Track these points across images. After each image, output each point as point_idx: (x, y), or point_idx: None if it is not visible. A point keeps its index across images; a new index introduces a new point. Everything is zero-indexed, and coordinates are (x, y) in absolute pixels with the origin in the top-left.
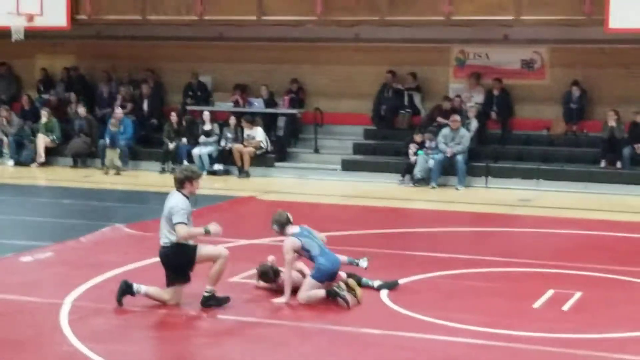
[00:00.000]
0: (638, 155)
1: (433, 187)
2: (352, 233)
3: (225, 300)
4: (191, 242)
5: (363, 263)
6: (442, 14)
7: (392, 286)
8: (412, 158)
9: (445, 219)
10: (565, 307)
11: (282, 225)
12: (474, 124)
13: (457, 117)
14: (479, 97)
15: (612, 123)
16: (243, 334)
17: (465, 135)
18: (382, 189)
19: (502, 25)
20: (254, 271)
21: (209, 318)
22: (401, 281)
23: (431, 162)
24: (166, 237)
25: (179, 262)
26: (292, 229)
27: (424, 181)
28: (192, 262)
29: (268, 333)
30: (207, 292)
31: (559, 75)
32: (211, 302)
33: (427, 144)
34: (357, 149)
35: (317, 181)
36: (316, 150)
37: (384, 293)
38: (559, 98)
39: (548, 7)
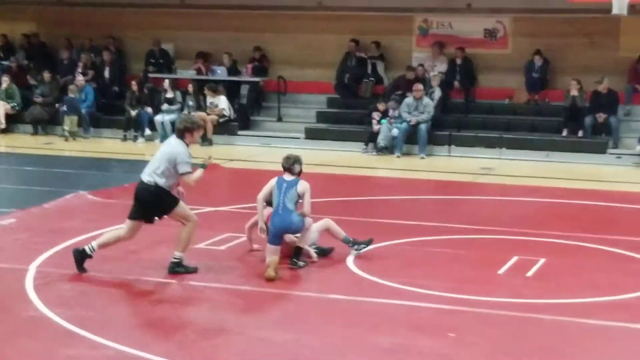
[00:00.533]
0: (599, 124)
1: (397, 156)
2: (316, 201)
3: (194, 269)
4: (174, 194)
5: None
6: None
7: (326, 253)
8: (376, 127)
9: (410, 187)
10: (529, 274)
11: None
12: (437, 93)
13: (420, 86)
14: (442, 67)
15: (574, 92)
16: (210, 299)
17: (429, 104)
18: (345, 158)
19: None
20: (218, 238)
21: (177, 284)
22: (367, 248)
23: (395, 131)
24: (151, 176)
25: (155, 204)
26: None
27: (387, 150)
28: (166, 212)
29: (235, 299)
30: (175, 258)
31: (522, 44)
32: (179, 269)
33: (391, 112)
34: (321, 117)
35: (281, 149)
36: (279, 119)
37: (350, 260)
38: (522, 67)
39: None
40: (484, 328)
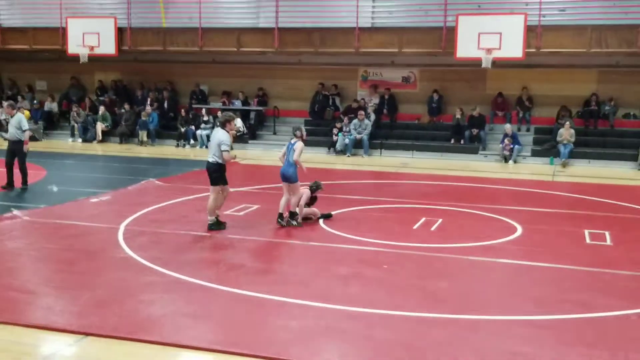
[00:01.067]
0: (474, 136)
1: (348, 156)
2: (301, 184)
3: (223, 225)
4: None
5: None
6: (354, 47)
7: (327, 217)
8: (335, 138)
9: (356, 176)
10: (433, 228)
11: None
12: (373, 117)
13: (362, 113)
14: (375, 100)
15: (458, 116)
16: (234, 245)
17: (368, 124)
18: (316, 157)
19: (390, 55)
20: (238, 207)
21: (213, 236)
22: (335, 212)
23: (347, 140)
24: (213, 157)
25: (218, 173)
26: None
27: (342, 152)
28: (224, 178)
29: (251, 246)
30: (210, 221)
31: (425, 86)
32: (213, 227)
33: (344, 129)
34: None
35: (275, 152)
36: (275, 133)
37: (321, 221)
38: (425, 100)
39: (419, 44)
40: (404, 262)
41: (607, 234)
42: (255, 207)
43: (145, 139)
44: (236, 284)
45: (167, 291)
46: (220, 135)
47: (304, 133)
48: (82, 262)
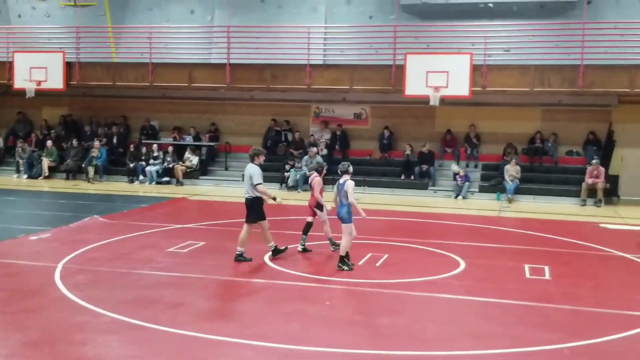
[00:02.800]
0: (423, 172)
1: (299, 192)
2: None
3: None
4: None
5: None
6: (305, 84)
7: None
8: (287, 174)
9: (307, 212)
10: (378, 264)
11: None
12: (325, 152)
13: (314, 149)
14: (327, 136)
15: (408, 152)
16: (175, 284)
17: (319, 160)
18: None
19: (342, 92)
20: (183, 244)
21: (152, 274)
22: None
23: (298, 176)
24: (248, 192)
25: (256, 208)
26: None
27: (294, 188)
28: (261, 213)
29: (192, 283)
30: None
31: (377, 123)
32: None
33: (296, 165)
34: None
35: (227, 188)
36: (226, 168)
37: (267, 257)
38: (377, 137)
39: (369, 81)
40: (347, 298)
41: (546, 268)
42: (201, 244)
43: (93, 175)
44: (173, 324)
45: (101, 332)
46: (250, 170)
47: (349, 168)
48: (15, 302)
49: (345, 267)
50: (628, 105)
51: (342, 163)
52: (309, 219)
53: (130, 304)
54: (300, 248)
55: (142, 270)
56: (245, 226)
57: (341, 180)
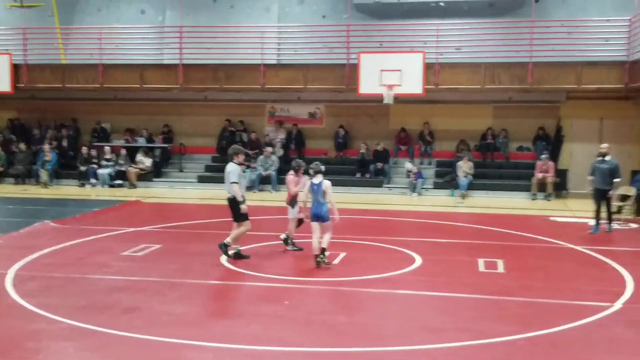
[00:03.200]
0: (378, 170)
1: (254, 192)
2: (207, 221)
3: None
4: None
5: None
6: (260, 84)
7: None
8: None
9: (263, 212)
10: (335, 262)
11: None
12: (280, 152)
13: (269, 149)
14: (283, 135)
15: (363, 150)
16: (130, 288)
17: (275, 160)
18: (223, 194)
19: (296, 91)
20: (138, 247)
21: (106, 279)
22: (242, 248)
23: (254, 176)
24: (229, 192)
25: (236, 207)
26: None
27: (250, 188)
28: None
29: (148, 287)
30: (224, 243)
31: (331, 122)
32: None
33: (252, 165)
34: (207, 168)
35: (181, 190)
36: (181, 170)
37: (225, 258)
38: (332, 136)
39: (323, 80)
40: (305, 297)
41: (500, 262)
42: (157, 246)
43: (46, 178)
44: (130, 328)
45: (56, 339)
46: (228, 168)
47: (322, 167)
48: None
49: (327, 261)
50: (576, 101)
51: (315, 163)
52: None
53: (86, 310)
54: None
55: (96, 275)
56: (234, 225)
57: (315, 180)
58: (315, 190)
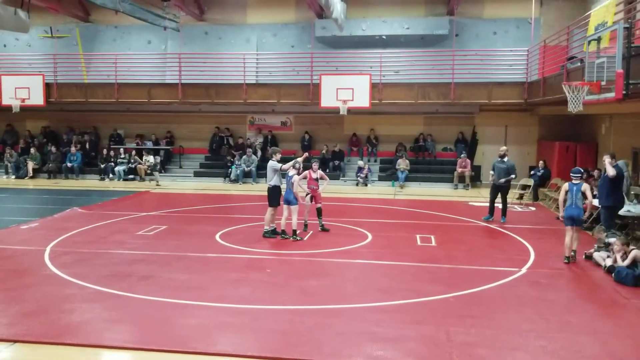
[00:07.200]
0: (336, 166)
1: (239, 184)
2: (203, 207)
3: (275, 234)
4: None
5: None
6: (242, 99)
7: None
8: (229, 170)
9: (246, 199)
10: (305, 238)
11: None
12: (259, 153)
13: (250, 150)
14: (260, 139)
15: (323, 151)
16: (145, 260)
17: (254, 159)
18: (214, 185)
19: (271, 105)
20: (149, 228)
21: (125, 253)
22: (230, 229)
23: (238, 171)
24: (269, 183)
25: (272, 195)
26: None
27: (235, 181)
28: (276, 199)
29: (159, 259)
30: (265, 229)
31: (299, 129)
32: (267, 235)
33: (237, 162)
34: (202, 165)
35: (182, 182)
36: (181, 167)
37: (218, 235)
38: (299, 140)
39: (292, 96)
40: (283, 266)
41: (432, 237)
42: (164, 227)
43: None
44: (146, 292)
45: (86, 301)
46: (270, 164)
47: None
48: (11, 280)
49: (291, 238)
50: (487, 112)
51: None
52: (317, 205)
53: (109, 278)
54: (320, 228)
55: (117, 250)
56: (268, 209)
57: (290, 173)
58: (289, 180)
